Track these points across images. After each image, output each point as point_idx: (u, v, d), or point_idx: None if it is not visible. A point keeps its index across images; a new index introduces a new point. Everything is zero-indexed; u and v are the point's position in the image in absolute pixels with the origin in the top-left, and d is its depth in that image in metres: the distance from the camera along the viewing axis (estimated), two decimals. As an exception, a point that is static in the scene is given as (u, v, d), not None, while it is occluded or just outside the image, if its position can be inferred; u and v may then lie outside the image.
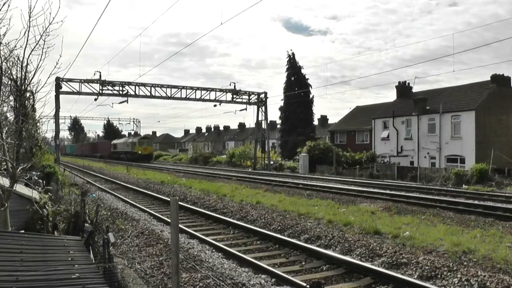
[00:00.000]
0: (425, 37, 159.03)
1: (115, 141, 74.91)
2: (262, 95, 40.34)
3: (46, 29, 6.08)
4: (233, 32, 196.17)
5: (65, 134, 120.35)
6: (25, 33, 6.01)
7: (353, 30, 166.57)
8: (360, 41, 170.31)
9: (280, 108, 48.15)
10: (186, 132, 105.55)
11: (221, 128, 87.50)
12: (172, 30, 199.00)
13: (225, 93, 38.93)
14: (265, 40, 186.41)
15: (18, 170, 6.54)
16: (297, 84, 46.11)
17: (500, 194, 16.12)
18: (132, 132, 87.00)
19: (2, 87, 6.70)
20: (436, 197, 14.63)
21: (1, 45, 6.34)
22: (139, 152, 59.48)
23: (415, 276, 6.37)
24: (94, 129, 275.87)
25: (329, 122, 61.16)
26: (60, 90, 32.30)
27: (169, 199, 13.37)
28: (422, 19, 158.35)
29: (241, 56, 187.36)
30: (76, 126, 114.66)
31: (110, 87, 34.62)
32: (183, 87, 37.67)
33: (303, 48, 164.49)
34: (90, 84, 33.82)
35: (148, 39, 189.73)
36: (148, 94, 36.26)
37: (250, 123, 75.98)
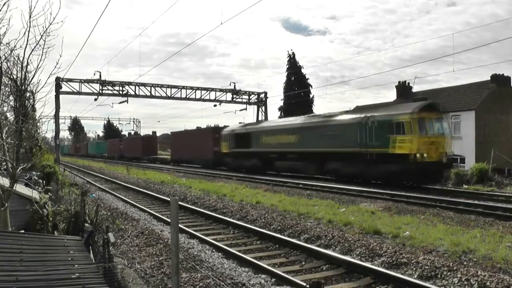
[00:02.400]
0: (424, 37, 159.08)
1: (243, 128, 32.07)
2: (262, 95, 40.35)
3: (46, 29, 6.10)
4: (232, 32, 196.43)
5: (65, 134, 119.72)
6: (25, 33, 6.02)
7: (352, 30, 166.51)
8: (359, 41, 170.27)
9: (280, 108, 48.21)
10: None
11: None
12: (171, 30, 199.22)
13: (225, 93, 38.98)
14: (264, 40, 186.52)
15: (18, 170, 6.54)
16: (297, 84, 46.19)
17: (500, 194, 16.11)
18: (132, 132, 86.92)
19: (2, 87, 6.70)
20: (436, 197, 14.62)
21: (1, 45, 6.34)
22: (420, 155, 17.61)
23: (415, 276, 6.37)
24: (94, 129, 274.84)
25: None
26: (60, 90, 32.37)
27: (169, 199, 13.37)
28: (421, 19, 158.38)
29: (241, 56, 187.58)
30: (76, 126, 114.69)
31: (110, 87, 34.69)
32: (183, 87, 37.72)
33: (302, 48, 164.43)
34: (90, 84, 33.87)
35: (147, 39, 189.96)
36: (148, 94, 36.30)
37: (251, 123, 75.48)
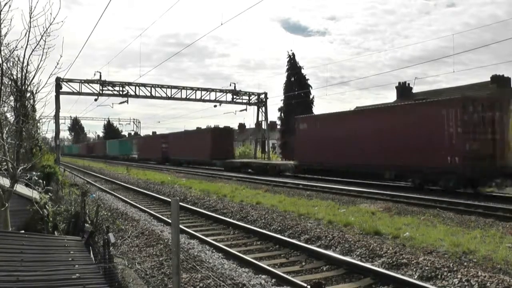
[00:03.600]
0: (423, 37, 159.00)
1: None
2: (262, 96, 40.38)
3: (46, 29, 6.10)
4: (232, 32, 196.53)
5: (65, 134, 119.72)
6: (26, 33, 6.02)
7: (352, 31, 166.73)
8: (358, 42, 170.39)
9: (280, 109, 48.12)
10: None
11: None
12: (170, 30, 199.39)
13: (225, 93, 38.99)
14: (263, 41, 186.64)
15: (19, 170, 6.54)
16: (297, 85, 46.09)
17: (500, 195, 16.09)
18: (132, 133, 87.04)
19: (2, 88, 6.70)
20: (436, 198, 14.61)
21: (2, 45, 6.34)
22: None
23: (415, 277, 6.37)
24: (94, 129, 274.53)
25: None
26: (60, 90, 32.40)
27: (169, 200, 13.40)
28: (420, 20, 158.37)
29: (240, 56, 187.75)
30: (76, 126, 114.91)
31: (110, 88, 34.71)
32: (183, 88, 37.72)
33: (302, 48, 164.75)
34: (90, 84, 33.89)
35: (147, 39, 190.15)
36: (148, 94, 36.32)
37: (250, 123, 74.66)
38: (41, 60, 6.41)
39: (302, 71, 47.26)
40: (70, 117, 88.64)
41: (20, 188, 8.63)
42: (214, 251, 8.26)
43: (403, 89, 40.87)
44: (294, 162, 27.16)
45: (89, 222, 7.68)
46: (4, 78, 6.74)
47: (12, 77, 7.80)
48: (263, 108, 40.48)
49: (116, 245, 8.28)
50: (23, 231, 6.69)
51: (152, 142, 53.14)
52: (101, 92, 34.24)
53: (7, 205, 6.46)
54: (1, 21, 6.08)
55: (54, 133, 34.45)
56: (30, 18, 5.91)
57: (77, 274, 4.07)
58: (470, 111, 16.15)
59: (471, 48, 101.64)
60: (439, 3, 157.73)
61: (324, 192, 17.65)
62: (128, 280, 6.03)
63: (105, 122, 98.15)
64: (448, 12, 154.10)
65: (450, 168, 16.17)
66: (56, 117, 33.08)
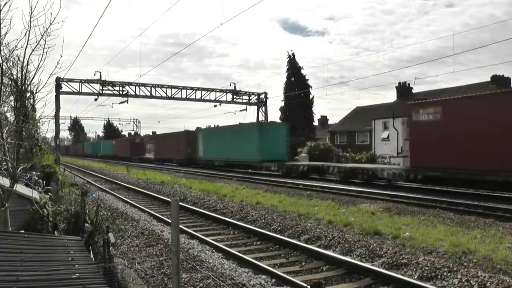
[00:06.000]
0: (422, 38, 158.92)
1: None
2: (262, 96, 40.37)
3: (46, 29, 6.11)
4: (231, 32, 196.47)
5: (65, 134, 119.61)
6: (26, 33, 6.02)
7: (351, 31, 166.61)
8: (358, 42, 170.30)
9: (280, 109, 48.14)
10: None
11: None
12: (169, 30, 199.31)
13: (225, 93, 38.99)
14: (263, 41, 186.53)
15: (19, 170, 6.55)
16: (297, 85, 46.10)
17: (500, 195, 16.09)
18: (132, 133, 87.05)
19: (2, 88, 6.70)
20: (436, 198, 14.61)
21: (2, 45, 6.34)
22: None
23: (415, 277, 6.37)
24: (94, 129, 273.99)
25: (329, 122, 61.14)
26: (60, 90, 32.40)
27: (169, 200, 13.40)
28: (419, 20, 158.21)
29: (240, 56, 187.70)
30: (76, 126, 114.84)
31: (110, 87, 34.71)
32: (183, 88, 37.73)
33: (301, 48, 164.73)
34: (90, 84, 33.89)
35: (146, 39, 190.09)
36: (148, 94, 36.32)
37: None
38: (41, 60, 6.42)
39: (302, 71, 47.32)
40: (70, 117, 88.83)
41: (20, 188, 8.64)
42: (214, 251, 8.26)
43: (403, 89, 40.90)
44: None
45: (89, 222, 7.69)
46: (4, 78, 6.74)
47: (12, 77, 7.80)
48: (263, 108, 40.47)
49: (116, 245, 8.28)
50: (23, 231, 6.69)
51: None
52: (101, 92, 34.25)
53: (7, 205, 6.47)
54: (1, 21, 6.08)
55: (54, 133, 34.47)
56: (30, 17, 5.92)
57: (77, 274, 4.07)
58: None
59: (470, 48, 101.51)
60: (438, 3, 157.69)
61: (324, 192, 17.65)
62: (128, 280, 6.02)
63: (105, 122, 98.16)
64: (447, 12, 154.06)
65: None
66: (56, 117, 33.09)
